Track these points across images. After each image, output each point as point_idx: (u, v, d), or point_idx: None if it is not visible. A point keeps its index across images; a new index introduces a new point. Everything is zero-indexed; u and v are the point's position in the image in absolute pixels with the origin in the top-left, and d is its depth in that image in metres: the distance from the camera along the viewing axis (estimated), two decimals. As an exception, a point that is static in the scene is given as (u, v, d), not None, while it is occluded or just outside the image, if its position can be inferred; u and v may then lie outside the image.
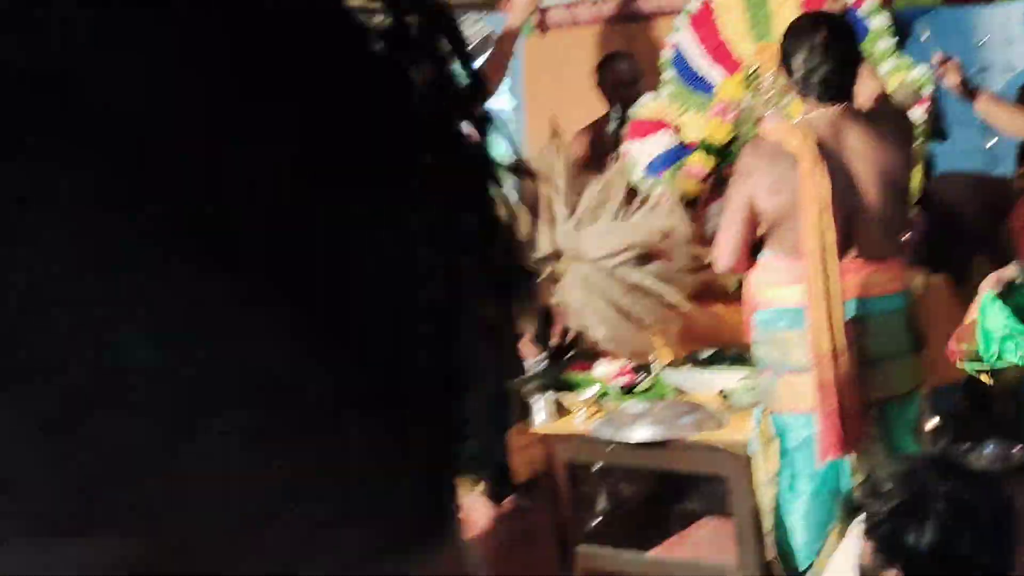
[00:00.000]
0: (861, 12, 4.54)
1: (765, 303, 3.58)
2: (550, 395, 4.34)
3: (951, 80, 3.94)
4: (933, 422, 3.69)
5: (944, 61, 3.98)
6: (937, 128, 6.07)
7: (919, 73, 4.46)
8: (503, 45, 4.92)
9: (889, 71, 4.49)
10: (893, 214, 3.48)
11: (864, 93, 3.63)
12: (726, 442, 3.95)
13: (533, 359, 5.70)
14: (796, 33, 3.46)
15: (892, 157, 3.44)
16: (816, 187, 3.32)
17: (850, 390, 3.40)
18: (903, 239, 3.70)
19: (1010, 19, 8.74)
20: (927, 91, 4.41)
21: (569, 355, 6.07)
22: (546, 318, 6.30)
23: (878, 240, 3.48)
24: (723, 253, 3.56)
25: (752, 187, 3.44)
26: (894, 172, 3.44)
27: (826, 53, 3.37)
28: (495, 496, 4.89)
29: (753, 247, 3.59)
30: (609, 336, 3.95)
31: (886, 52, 4.50)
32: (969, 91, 3.97)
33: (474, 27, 7.59)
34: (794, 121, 3.52)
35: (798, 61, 3.40)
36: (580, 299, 3.90)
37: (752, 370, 4.27)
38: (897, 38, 4.63)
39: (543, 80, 5.90)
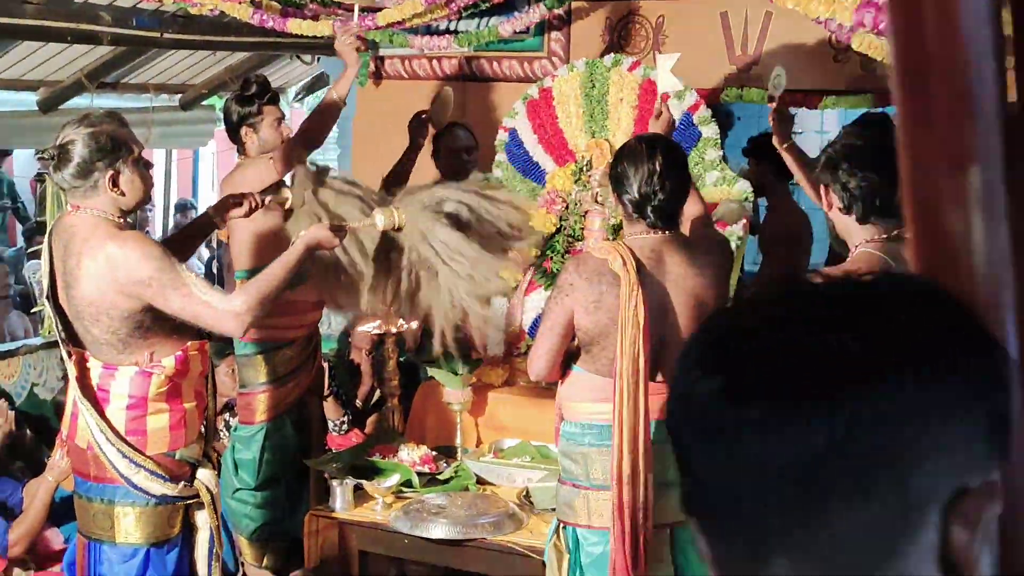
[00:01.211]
0: (696, 119, 4.60)
1: (572, 416, 3.56)
2: (349, 480, 4.23)
3: (778, 129, 4.01)
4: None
5: (778, 112, 4.04)
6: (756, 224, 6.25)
7: (742, 187, 4.55)
8: (331, 109, 4.83)
9: (714, 182, 4.57)
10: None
11: (688, 213, 3.64)
12: (523, 546, 3.92)
13: (336, 419, 5.60)
14: (631, 157, 3.43)
15: (707, 285, 3.46)
16: (633, 310, 3.32)
17: (647, 514, 3.41)
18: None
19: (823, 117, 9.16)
20: (749, 207, 4.50)
21: (370, 416, 6.00)
22: (351, 376, 6.21)
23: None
24: (537, 361, 3.53)
25: (572, 303, 3.42)
26: (707, 300, 3.46)
27: (662, 182, 3.37)
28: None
29: (566, 359, 3.57)
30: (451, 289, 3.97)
31: (713, 162, 4.57)
32: (789, 146, 4.04)
33: (307, 68, 7.48)
34: (618, 241, 3.51)
35: (632, 187, 3.39)
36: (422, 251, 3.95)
37: (554, 468, 4.26)
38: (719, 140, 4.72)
39: (373, 130, 5.79)
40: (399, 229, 3.89)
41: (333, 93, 4.85)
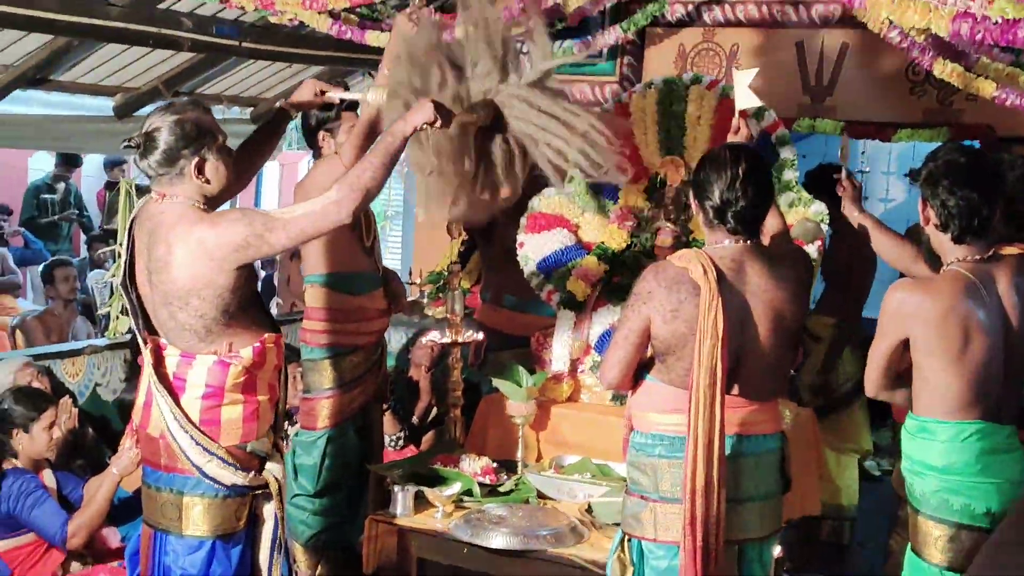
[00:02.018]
0: (774, 139, 4.58)
1: (644, 426, 3.52)
2: (411, 487, 4.21)
3: (847, 195, 3.97)
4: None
5: (848, 176, 4.00)
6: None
7: (818, 209, 4.50)
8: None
9: (790, 203, 4.53)
10: (780, 356, 3.46)
11: (768, 228, 3.62)
12: (585, 559, 3.87)
13: (392, 433, 5.59)
14: (714, 164, 3.42)
15: (787, 299, 3.42)
16: (713, 320, 3.28)
17: (717, 528, 3.35)
18: (786, 381, 3.69)
19: (891, 153, 9.07)
20: (825, 228, 4.46)
21: (427, 436, 5.99)
22: (410, 393, 6.22)
23: (762, 380, 3.46)
24: (610, 370, 3.49)
25: (650, 311, 3.39)
26: (787, 314, 3.42)
27: (744, 188, 3.34)
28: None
29: (638, 369, 3.54)
30: (562, 148, 3.85)
31: (789, 183, 4.54)
32: (860, 211, 4.00)
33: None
34: (699, 249, 3.47)
35: (714, 193, 3.37)
36: (524, 120, 3.84)
37: (616, 484, 4.22)
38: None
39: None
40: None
41: (385, 68, 4.78)
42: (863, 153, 8.49)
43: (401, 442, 5.74)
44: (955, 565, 3.33)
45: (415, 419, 6.09)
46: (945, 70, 4.81)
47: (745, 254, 3.42)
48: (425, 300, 6.90)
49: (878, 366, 3.46)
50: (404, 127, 3.53)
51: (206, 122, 3.48)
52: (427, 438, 5.95)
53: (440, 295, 6.85)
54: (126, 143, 3.51)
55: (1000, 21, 3.02)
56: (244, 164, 3.88)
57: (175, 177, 3.44)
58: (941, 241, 3.43)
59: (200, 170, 3.45)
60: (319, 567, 4.81)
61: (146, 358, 3.54)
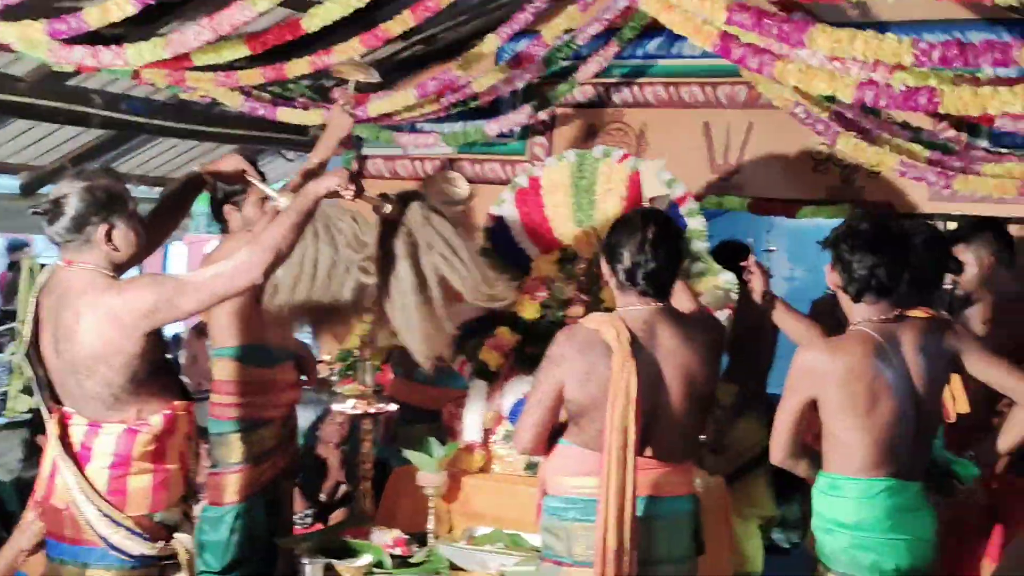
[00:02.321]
0: (683, 210, 4.66)
1: (557, 490, 3.50)
2: (320, 559, 4.12)
3: (756, 285, 4.03)
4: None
5: (756, 265, 4.08)
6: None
7: (727, 279, 4.57)
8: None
9: (700, 272, 4.59)
10: (692, 418, 3.48)
11: (677, 301, 3.66)
12: (500, 629, 3.81)
13: (300, 511, 5.49)
14: (625, 228, 3.47)
15: (699, 362, 3.45)
16: (625, 382, 3.30)
17: None
18: (697, 444, 3.70)
19: (799, 227, 9.24)
20: (734, 296, 4.52)
21: (335, 513, 5.89)
22: (318, 470, 6.13)
23: (674, 442, 3.47)
24: (524, 433, 3.49)
25: (562, 374, 3.40)
26: (699, 377, 3.45)
27: (654, 250, 3.39)
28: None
29: (551, 433, 3.53)
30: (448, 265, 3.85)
31: (699, 253, 4.61)
32: (769, 299, 4.07)
33: (290, 165, 7.52)
34: (611, 313, 3.50)
35: (624, 255, 3.41)
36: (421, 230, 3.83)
37: (529, 554, 4.18)
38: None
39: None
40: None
41: (314, 158, 4.81)
42: (768, 232, 8.68)
43: (309, 520, 5.64)
44: None
45: (323, 497, 5.99)
46: (848, 144, 4.96)
47: (656, 317, 3.45)
48: (335, 378, 6.82)
49: (786, 428, 3.49)
50: (317, 188, 3.52)
51: (116, 189, 3.45)
52: (335, 516, 5.85)
53: (350, 373, 6.78)
54: (34, 210, 3.45)
55: (903, 88, 3.12)
56: (154, 230, 3.83)
57: (83, 244, 3.39)
58: (847, 302, 3.52)
59: (109, 237, 3.40)
60: (228, 647, 4.68)
61: (50, 429, 3.45)
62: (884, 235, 3.48)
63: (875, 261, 3.41)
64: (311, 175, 4.85)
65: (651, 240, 3.40)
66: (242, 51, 4.90)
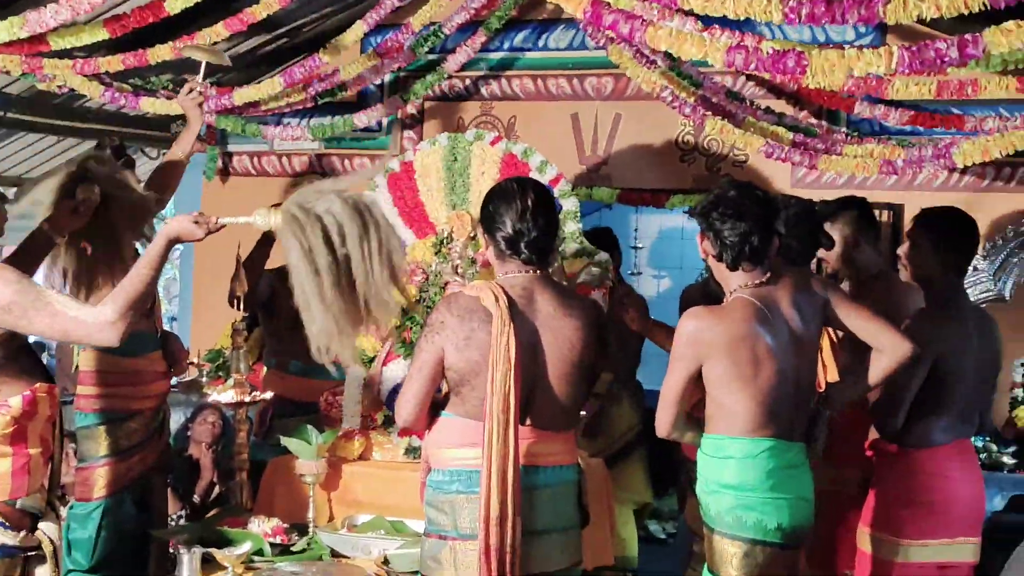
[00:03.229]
0: (556, 192, 4.67)
1: (440, 463, 3.46)
2: (197, 549, 4.00)
3: (633, 315, 4.19)
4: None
5: (628, 297, 4.22)
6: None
7: (602, 258, 4.61)
8: (175, 167, 4.79)
9: (574, 253, 4.61)
10: (573, 386, 3.47)
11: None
12: (383, 610, 3.75)
13: (173, 513, 5.35)
14: (503, 196, 3.46)
15: (577, 330, 3.44)
16: (505, 346, 3.28)
17: (513, 559, 3.30)
18: (578, 414, 3.69)
19: (665, 224, 9.39)
20: (609, 275, 4.56)
21: (211, 513, 5.74)
22: (190, 471, 5.97)
23: (555, 410, 3.46)
24: (405, 405, 3.43)
25: (443, 341, 3.36)
26: (578, 345, 3.43)
27: (535, 218, 3.39)
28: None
29: (433, 407, 3.50)
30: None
31: (573, 234, 4.63)
32: (646, 325, 4.18)
33: (152, 163, 7.34)
34: (491, 280, 3.48)
35: (506, 224, 3.40)
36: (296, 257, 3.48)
37: (411, 538, 4.14)
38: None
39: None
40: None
41: (177, 150, 4.75)
42: (636, 230, 8.79)
43: (183, 520, 5.48)
44: None
45: (196, 498, 5.83)
46: (716, 127, 5.05)
47: (535, 284, 3.44)
48: (204, 379, 6.68)
49: (673, 400, 3.49)
50: (167, 235, 3.33)
51: None
52: (209, 517, 5.71)
53: (220, 374, 6.65)
54: None
55: (771, 52, 3.18)
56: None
57: None
58: (721, 271, 3.55)
59: None
60: (97, 649, 4.51)
61: (-93, 411, 3.29)
62: (753, 201, 3.52)
63: (747, 227, 3.44)
64: (175, 166, 4.77)
65: (531, 208, 3.40)
66: (101, 34, 4.78)
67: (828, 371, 4.25)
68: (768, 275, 3.51)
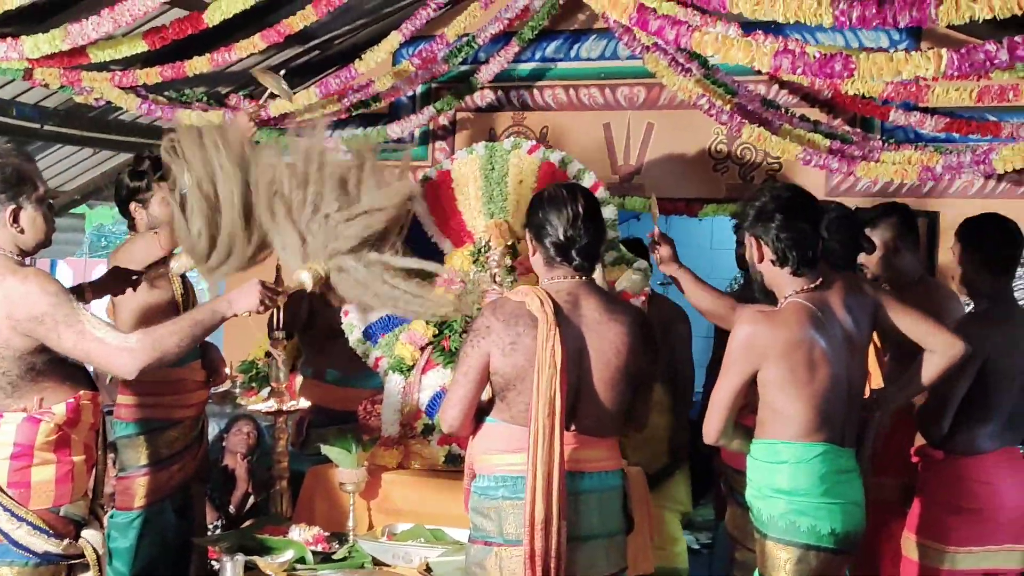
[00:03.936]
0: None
1: (486, 469, 3.46)
2: (240, 556, 4.00)
3: (664, 253, 4.10)
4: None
5: (661, 236, 4.14)
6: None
7: (642, 265, 4.59)
8: None
9: (612, 261, 4.61)
10: (618, 392, 3.45)
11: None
12: (427, 617, 3.74)
13: (209, 523, 5.36)
14: (553, 203, 3.45)
15: (623, 337, 3.43)
16: (551, 351, 3.28)
17: (558, 564, 3.29)
18: (623, 420, 3.66)
19: (695, 233, 9.36)
20: (649, 281, 4.55)
21: (246, 523, 5.75)
22: (225, 481, 5.98)
23: (601, 416, 3.45)
24: (451, 409, 3.43)
25: (488, 346, 3.36)
26: (624, 352, 3.42)
27: (586, 225, 3.39)
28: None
29: (478, 413, 3.50)
30: (400, 308, 3.65)
31: (612, 241, 4.62)
32: (677, 267, 4.13)
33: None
34: (535, 285, 3.48)
35: (557, 230, 3.40)
36: (358, 291, 3.59)
37: (452, 547, 4.13)
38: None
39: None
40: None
41: None
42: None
43: (219, 531, 5.49)
44: None
45: (232, 508, 5.84)
46: (753, 135, 5.04)
47: (581, 289, 3.44)
48: (238, 390, 6.69)
49: (724, 406, 3.46)
50: (226, 310, 3.38)
51: (28, 170, 3.35)
52: (244, 527, 5.71)
53: (253, 385, 6.65)
54: None
55: (818, 56, 3.17)
56: None
57: None
58: (775, 276, 3.51)
59: (15, 218, 3.29)
60: (140, 659, 4.52)
61: (-47, 419, 3.30)
62: (809, 202, 3.53)
63: (808, 230, 3.45)
64: None
65: (582, 215, 3.41)
66: (140, 46, 4.81)
67: (872, 378, 4.22)
68: (820, 279, 3.50)
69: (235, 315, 3.40)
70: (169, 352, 3.27)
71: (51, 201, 3.46)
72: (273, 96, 4.90)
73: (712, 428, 3.50)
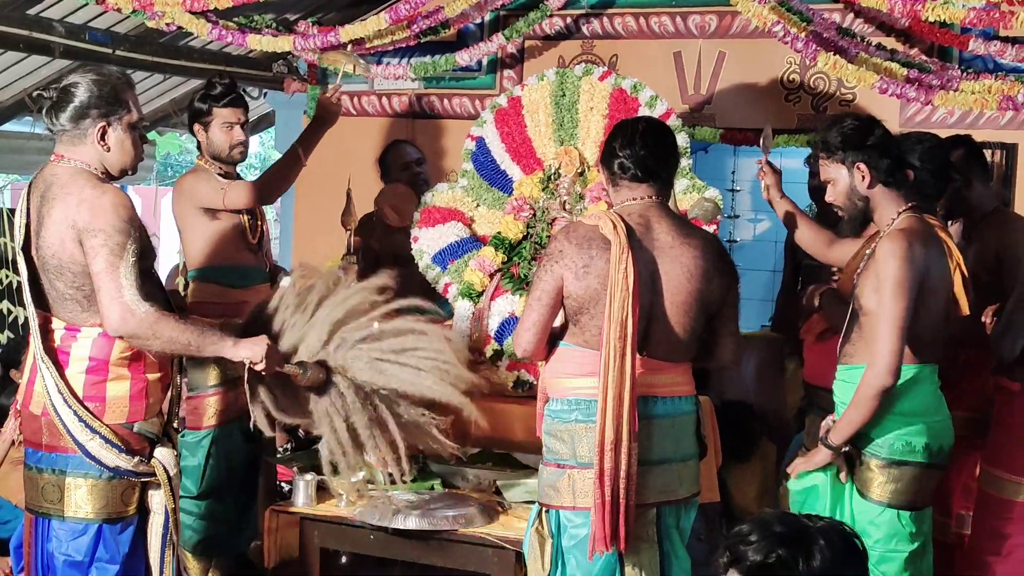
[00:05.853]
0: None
1: (559, 393, 3.47)
2: (311, 476, 4.06)
3: (769, 180, 4.20)
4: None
5: (768, 164, 4.25)
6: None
7: (712, 194, 4.55)
8: (293, 166, 4.91)
9: (684, 190, 4.57)
10: (691, 317, 3.43)
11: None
12: (497, 537, 3.78)
13: (280, 445, 5.42)
14: (619, 128, 3.56)
15: (696, 261, 3.41)
16: (623, 273, 3.27)
17: (628, 485, 3.30)
18: (695, 346, 3.64)
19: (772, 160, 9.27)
20: (722, 208, 4.51)
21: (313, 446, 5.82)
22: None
23: (673, 341, 3.44)
24: (524, 333, 3.44)
25: (562, 269, 3.36)
26: (697, 275, 3.40)
27: (644, 140, 3.44)
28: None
29: (551, 339, 3.50)
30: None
31: (683, 170, 4.57)
32: (780, 196, 4.21)
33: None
34: (608, 209, 3.48)
35: (621, 150, 3.44)
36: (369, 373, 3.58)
37: (519, 471, 4.16)
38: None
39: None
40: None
41: (299, 149, 4.84)
42: (733, 172, 8.66)
43: (289, 454, 5.55)
44: (895, 502, 3.44)
45: (301, 432, 5.90)
46: (828, 63, 4.94)
47: (652, 211, 3.44)
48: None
49: (901, 336, 3.33)
50: (228, 349, 3.35)
51: (123, 92, 3.38)
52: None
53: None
54: (39, 93, 3.39)
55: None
56: None
57: (78, 137, 3.32)
58: (882, 197, 3.52)
59: (103, 136, 3.32)
60: (209, 574, 4.61)
61: (33, 331, 3.36)
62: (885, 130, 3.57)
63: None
64: (294, 165, 4.85)
65: (641, 132, 3.47)
66: (212, -32, 4.80)
67: (961, 305, 4.14)
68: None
69: (230, 357, 3.37)
70: (158, 342, 3.25)
71: (143, 131, 3.48)
72: (347, 75, 5.01)
73: (892, 362, 3.32)
